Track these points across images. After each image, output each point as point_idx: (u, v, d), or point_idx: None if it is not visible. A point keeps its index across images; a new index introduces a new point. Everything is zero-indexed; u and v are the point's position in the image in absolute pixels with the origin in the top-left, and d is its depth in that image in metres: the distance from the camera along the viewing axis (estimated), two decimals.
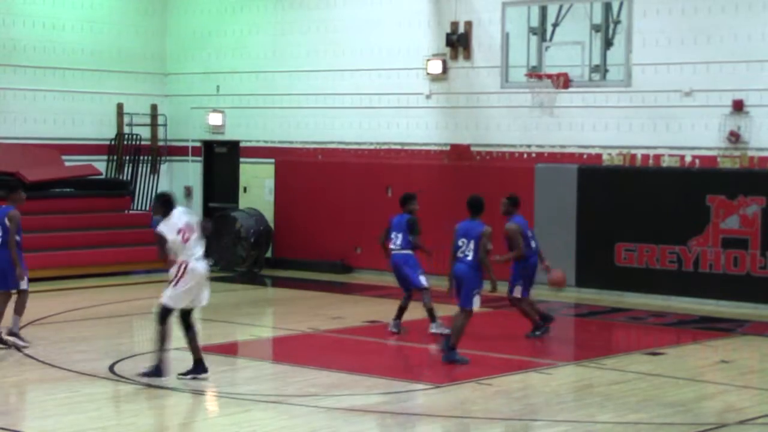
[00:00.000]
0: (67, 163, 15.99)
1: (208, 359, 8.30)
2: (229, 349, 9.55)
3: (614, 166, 13.60)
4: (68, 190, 15.64)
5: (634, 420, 7.14)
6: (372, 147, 15.64)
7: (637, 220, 13.26)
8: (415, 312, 10.24)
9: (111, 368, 8.42)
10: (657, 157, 13.26)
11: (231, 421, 6.92)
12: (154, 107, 17.19)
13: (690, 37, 12.92)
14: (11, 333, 9.22)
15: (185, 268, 7.92)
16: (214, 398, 7.70)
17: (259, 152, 16.58)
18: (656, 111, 13.23)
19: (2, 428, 6.63)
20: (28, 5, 16.20)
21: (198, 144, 17.27)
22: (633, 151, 13.48)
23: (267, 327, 11.36)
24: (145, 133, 17.04)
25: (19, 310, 9.32)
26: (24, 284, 9.37)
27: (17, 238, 9.20)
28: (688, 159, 13.05)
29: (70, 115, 16.52)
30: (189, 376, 7.76)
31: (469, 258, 8.72)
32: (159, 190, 12.98)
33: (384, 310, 11.87)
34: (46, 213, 15.09)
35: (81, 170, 16.06)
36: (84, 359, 8.91)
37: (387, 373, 8.30)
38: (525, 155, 14.35)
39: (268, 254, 15.87)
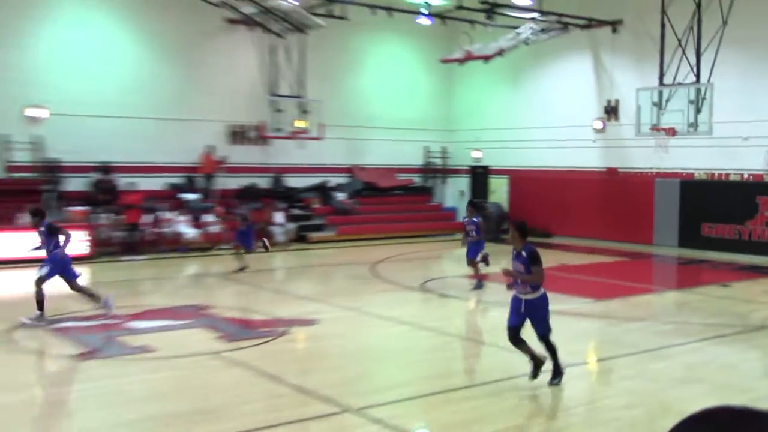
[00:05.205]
0: (398, 177, 19.54)
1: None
2: None
3: (702, 180, 15.83)
4: (399, 191, 19.23)
5: (713, 322, 7.78)
6: (559, 169, 17.89)
7: (715, 210, 15.51)
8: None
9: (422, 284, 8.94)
10: (727, 174, 15.63)
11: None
12: (444, 148, 20.66)
13: (748, 106, 15.14)
14: None
15: None
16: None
17: (500, 172, 19.52)
18: (727, 149, 15.45)
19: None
20: (461, 91, 17.77)
21: (467, 167, 20.52)
22: (712, 171, 15.84)
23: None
24: (439, 162, 20.52)
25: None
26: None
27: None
28: (746, 176, 15.36)
29: (401, 153, 20.29)
30: None
31: None
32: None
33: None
34: (388, 204, 18.38)
35: (406, 181, 19.62)
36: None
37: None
38: (648, 174, 16.70)
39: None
